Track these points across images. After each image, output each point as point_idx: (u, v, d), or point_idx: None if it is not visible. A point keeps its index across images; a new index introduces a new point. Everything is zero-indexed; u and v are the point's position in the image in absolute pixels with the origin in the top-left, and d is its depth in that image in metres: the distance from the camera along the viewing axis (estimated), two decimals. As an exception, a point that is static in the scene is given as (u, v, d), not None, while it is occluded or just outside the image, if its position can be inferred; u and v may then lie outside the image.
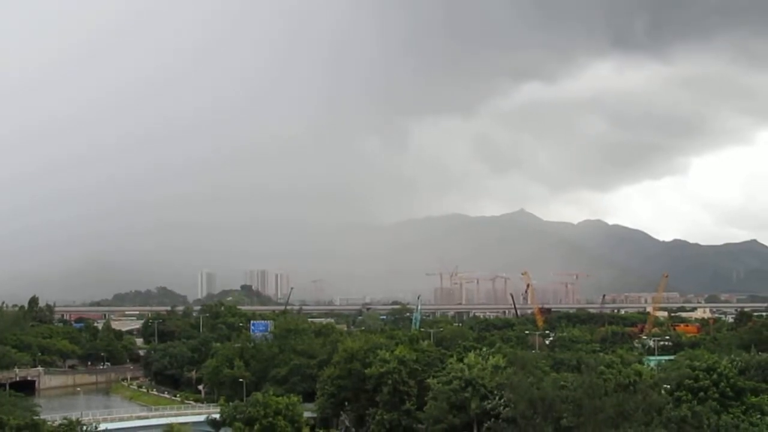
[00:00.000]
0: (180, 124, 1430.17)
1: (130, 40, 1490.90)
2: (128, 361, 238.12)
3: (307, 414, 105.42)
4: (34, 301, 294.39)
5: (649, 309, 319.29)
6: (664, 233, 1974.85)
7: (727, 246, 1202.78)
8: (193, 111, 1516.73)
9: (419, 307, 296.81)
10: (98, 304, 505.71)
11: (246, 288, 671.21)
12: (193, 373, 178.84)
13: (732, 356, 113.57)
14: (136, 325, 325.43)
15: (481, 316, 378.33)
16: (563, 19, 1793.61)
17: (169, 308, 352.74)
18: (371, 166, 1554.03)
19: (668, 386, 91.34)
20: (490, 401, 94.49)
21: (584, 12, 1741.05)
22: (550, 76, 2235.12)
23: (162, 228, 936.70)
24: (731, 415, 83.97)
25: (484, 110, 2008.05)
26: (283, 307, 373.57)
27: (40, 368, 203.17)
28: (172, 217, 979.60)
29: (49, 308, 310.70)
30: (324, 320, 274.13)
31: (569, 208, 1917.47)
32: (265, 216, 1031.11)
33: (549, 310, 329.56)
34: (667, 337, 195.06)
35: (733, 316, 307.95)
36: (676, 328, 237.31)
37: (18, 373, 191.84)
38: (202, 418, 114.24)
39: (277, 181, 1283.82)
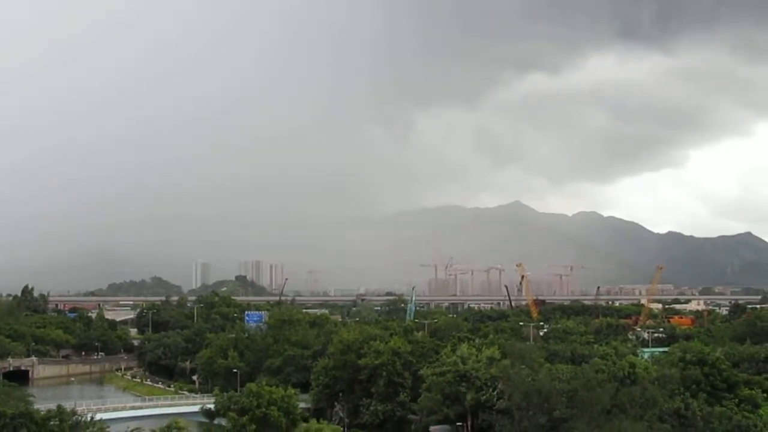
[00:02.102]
0: (179, 118, 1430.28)
1: (136, 33, 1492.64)
2: (122, 351, 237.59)
3: (301, 405, 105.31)
4: (27, 290, 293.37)
5: (643, 301, 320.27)
6: (659, 225, 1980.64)
7: (722, 238, 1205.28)
8: (193, 104, 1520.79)
9: (414, 299, 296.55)
10: (92, 294, 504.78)
11: (240, 278, 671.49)
12: (188, 363, 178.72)
13: (725, 348, 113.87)
14: (131, 315, 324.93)
15: (476, 308, 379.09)
16: (569, 10, 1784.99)
17: (163, 298, 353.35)
18: (372, 158, 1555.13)
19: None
20: (484, 393, 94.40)
21: (590, 2, 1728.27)
22: (555, 67, 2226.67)
23: (157, 219, 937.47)
24: (724, 408, 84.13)
25: (486, 101, 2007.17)
26: (277, 298, 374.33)
27: (33, 358, 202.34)
28: (167, 208, 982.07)
29: (43, 298, 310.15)
30: (318, 311, 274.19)
31: (567, 201, 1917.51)
32: (261, 207, 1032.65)
33: (543, 302, 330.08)
34: (662, 329, 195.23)
35: (728, 308, 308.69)
36: (671, 320, 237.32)
37: (11, 363, 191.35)
38: (196, 408, 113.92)
39: (277, 173, 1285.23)
